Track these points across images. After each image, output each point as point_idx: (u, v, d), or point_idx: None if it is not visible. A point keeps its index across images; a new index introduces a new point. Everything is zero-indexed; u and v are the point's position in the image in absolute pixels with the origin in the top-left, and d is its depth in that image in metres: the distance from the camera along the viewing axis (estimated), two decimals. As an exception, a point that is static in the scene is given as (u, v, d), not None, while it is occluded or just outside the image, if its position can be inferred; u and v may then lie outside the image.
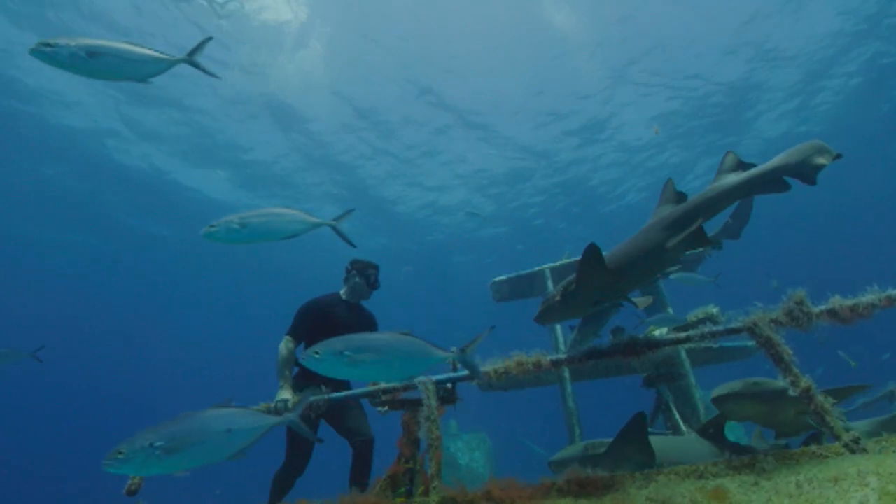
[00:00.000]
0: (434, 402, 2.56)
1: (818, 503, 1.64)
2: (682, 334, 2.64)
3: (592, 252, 2.37)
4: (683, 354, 5.58)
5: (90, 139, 16.28)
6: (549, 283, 6.44)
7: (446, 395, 2.69)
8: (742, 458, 2.04)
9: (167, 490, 2.41)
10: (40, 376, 30.42)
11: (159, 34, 12.87)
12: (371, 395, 2.79)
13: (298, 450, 3.60)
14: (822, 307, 2.49)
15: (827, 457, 1.99)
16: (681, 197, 2.60)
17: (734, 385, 3.00)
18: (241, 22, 13.21)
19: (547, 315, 2.70)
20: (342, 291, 4.23)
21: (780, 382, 2.70)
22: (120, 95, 14.59)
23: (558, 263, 6.46)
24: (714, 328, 2.58)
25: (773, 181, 2.48)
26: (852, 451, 1.98)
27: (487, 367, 2.70)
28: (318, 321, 3.90)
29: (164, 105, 15.19)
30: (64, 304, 26.63)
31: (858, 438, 2.02)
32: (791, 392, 2.59)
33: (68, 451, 34.25)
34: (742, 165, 2.54)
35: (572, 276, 2.65)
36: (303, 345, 3.95)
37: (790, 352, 2.38)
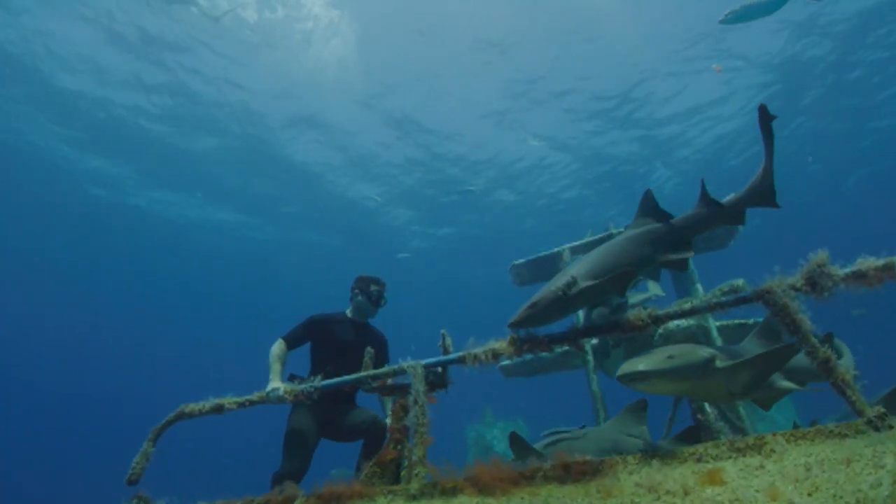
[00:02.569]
0: (421, 387, 2.46)
1: (825, 487, 1.43)
2: (688, 307, 2.42)
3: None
4: (715, 332, 5.26)
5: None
6: (570, 264, 6.22)
7: (436, 380, 2.58)
8: (747, 439, 1.84)
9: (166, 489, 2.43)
10: (43, 381, 32.05)
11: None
12: (360, 381, 2.72)
13: (292, 452, 3.52)
14: (849, 269, 2.21)
15: (846, 435, 1.76)
16: (659, 211, 2.71)
17: (641, 360, 2.34)
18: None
19: (530, 320, 2.46)
20: (348, 310, 4.28)
21: (704, 352, 2.32)
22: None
23: (578, 243, 6.21)
24: (723, 299, 2.35)
25: (737, 213, 2.68)
26: (876, 429, 1.74)
27: (479, 349, 2.56)
28: (318, 335, 3.97)
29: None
30: (63, 307, 27.49)
31: (884, 414, 1.77)
32: (718, 363, 2.27)
33: (68, 453, 36.10)
34: (709, 201, 2.67)
35: (556, 284, 2.46)
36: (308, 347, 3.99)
37: (808, 321, 2.13)
